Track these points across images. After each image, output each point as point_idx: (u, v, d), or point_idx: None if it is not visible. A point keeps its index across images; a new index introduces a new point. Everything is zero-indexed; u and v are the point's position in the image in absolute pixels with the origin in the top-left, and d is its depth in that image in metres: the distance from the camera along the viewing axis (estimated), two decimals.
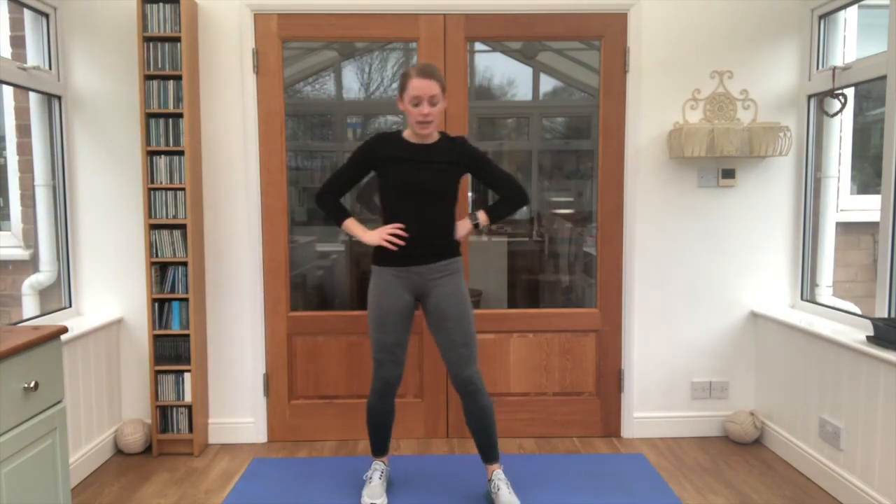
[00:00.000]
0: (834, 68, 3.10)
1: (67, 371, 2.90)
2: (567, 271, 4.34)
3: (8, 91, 3.93)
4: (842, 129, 3.64)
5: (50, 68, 3.20)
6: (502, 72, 4.19)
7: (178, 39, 3.11)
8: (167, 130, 3.16)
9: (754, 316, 3.46)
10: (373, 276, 2.74)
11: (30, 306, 3.68)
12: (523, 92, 4.28)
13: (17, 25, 3.74)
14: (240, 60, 3.29)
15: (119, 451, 3.33)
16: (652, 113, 3.36)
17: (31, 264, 3.93)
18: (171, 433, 3.29)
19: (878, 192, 2.93)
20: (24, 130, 3.87)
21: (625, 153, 3.40)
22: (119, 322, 3.38)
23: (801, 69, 3.36)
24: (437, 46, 3.34)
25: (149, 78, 3.14)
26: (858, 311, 3.22)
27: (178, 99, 3.14)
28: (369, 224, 2.81)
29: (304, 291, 3.98)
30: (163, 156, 3.17)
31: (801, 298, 3.42)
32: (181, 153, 3.16)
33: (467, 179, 3.35)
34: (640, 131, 3.37)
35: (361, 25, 3.32)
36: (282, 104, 3.35)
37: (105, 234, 3.34)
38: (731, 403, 3.50)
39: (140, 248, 3.31)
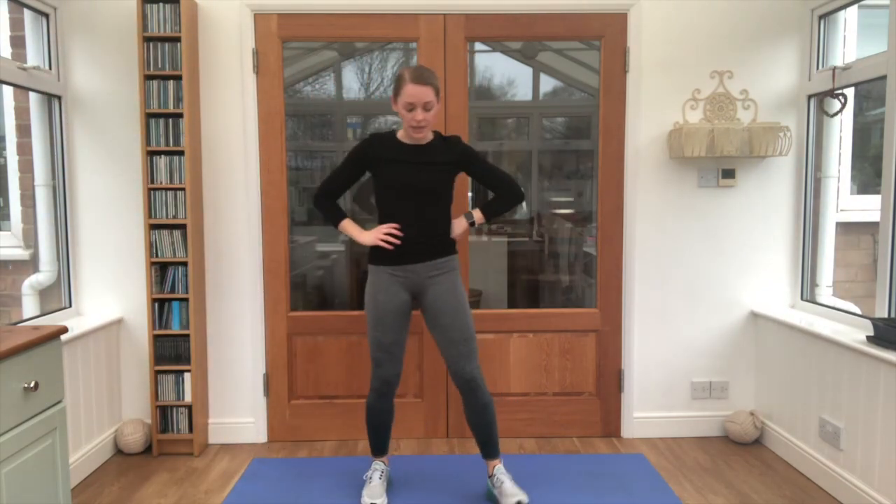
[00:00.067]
0: (834, 68, 3.10)
1: (67, 371, 2.90)
2: (567, 271, 4.34)
3: (8, 91, 3.93)
4: (842, 129, 3.64)
5: (50, 68, 3.20)
6: (502, 72, 4.19)
7: (178, 39, 3.11)
8: (167, 130, 3.16)
9: (754, 316, 3.46)
10: (369, 275, 2.75)
11: (30, 306, 3.69)
12: (523, 92, 4.28)
13: (17, 25, 3.74)
14: (240, 60, 3.29)
15: (119, 451, 3.33)
16: (652, 113, 3.36)
17: (31, 264, 3.93)
18: (171, 433, 3.29)
19: (878, 192, 2.93)
20: (24, 130, 3.87)
21: (625, 153, 3.40)
22: (119, 322, 3.38)
23: (801, 69, 3.36)
24: (437, 46, 3.34)
25: (149, 78, 3.14)
26: (858, 311, 3.22)
27: (178, 99, 3.14)
28: (367, 224, 2.81)
29: (304, 291, 3.98)
30: (163, 156, 3.17)
31: (801, 298, 3.43)
32: (181, 153, 3.16)
33: (467, 179, 3.35)
34: (640, 131, 3.37)
35: (361, 25, 3.32)
36: (282, 104, 3.35)
37: (105, 234, 3.34)
38: (731, 403, 3.50)
39: (140, 248, 3.31)
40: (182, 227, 3.19)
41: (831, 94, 3.14)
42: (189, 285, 3.20)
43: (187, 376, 3.25)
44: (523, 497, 2.66)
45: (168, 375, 3.26)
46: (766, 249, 3.44)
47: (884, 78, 2.79)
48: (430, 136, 2.69)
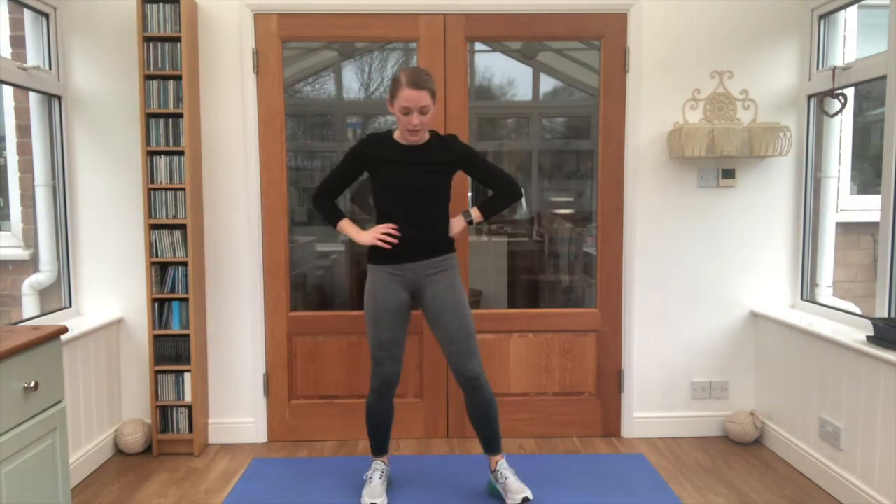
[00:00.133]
0: (834, 68, 3.10)
1: (67, 371, 2.90)
2: (567, 271, 4.34)
3: (8, 91, 3.93)
4: (842, 129, 3.64)
5: (50, 68, 3.20)
6: (502, 72, 4.19)
7: (178, 39, 3.11)
8: (167, 130, 3.16)
9: (754, 316, 3.46)
10: (369, 274, 2.75)
11: (30, 306, 3.69)
12: (523, 92, 4.28)
13: (17, 25, 3.74)
14: (240, 60, 3.29)
15: (119, 451, 3.33)
16: (652, 113, 3.36)
17: (31, 264, 3.93)
18: (171, 433, 3.29)
19: (878, 192, 2.93)
20: (24, 130, 3.87)
21: (625, 153, 3.40)
22: (119, 322, 3.38)
23: (801, 69, 3.36)
24: (437, 46, 3.34)
25: (149, 78, 3.14)
26: (858, 311, 3.22)
27: (178, 99, 3.14)
28: (366, 224, 2.82)
29: (304, 291, 3.98)
30: (163, 156, 3.17)
31: (801, 298, 3.42)
32: (181, 153, 3.16)
33: (466, 178, 3.36)
34: (640, 131, 3.37)
35: (361, 25, 3.32)
36: (282, 104, 3.35)
37: (105, 234, 3.34)
38: (731, 403, 3.50)
39: (140, 248, 3.31)
40: (182, 227, 3.19)
41: (831, 94, 3.14)
42: (189, 285, 3.20)
43: (187, 376, 3.25)
44: (528, 493, 2.67)
45: (168, 375, 3.26)
46: (766, 249, 3.44)
47: (884, 78, 2.79)
48: (426, 136, 2.69)
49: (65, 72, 3.25)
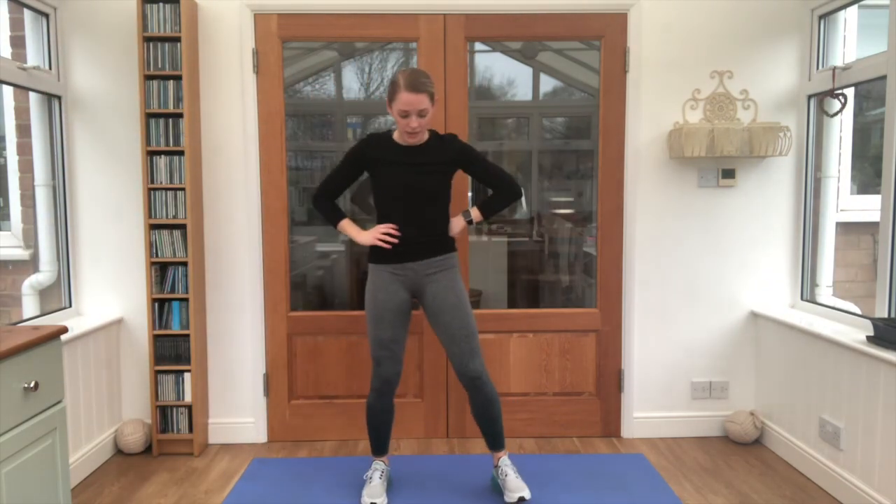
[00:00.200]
0: (834, 68, 3.10)
1: (67, 371, 2.90)
2: (567, 271, 4.33)
3: (8, 91, 3.93)
4: (842, 129, 3.64)
5: (50, 68, 3.20)
6: (502, 72, 4.18)
7: (178, 39, 3.11)
8: (167, 130, 3.16)
9: (754, 316, 3.46)
10: (369, 274, 2.76)
11: (30, 306, 3.68)
12: (523, 92, 4.28)
13: (17, 25, 3.73)
14: (240, 60, 3.29)
15: (119, 451, 3.33)
16: (652, 113, 3.36)
17: (31, 264, 3.93)
18: (171, 433, 3.29)
19: (878, 192, 2.93)
20: (24, 130, 3.86)
21: (625, 153, 3.40)
22: (119, 322, 3.38)
23: (801, 69, 3.36)
24: (437, 46, 3.34)
25: (149, 78, 3.14)
26: (858, 311, 3.22)
27: (178, 99, 3.14)
28: (366, 224, 2.82)
29: (304, 291, 3.98)
30: (163, 156, 3.17)
31: (801, 298, 3.42)
32: (181, 153, 3.16)
33: (467, 178, 3.36)
34: (640, 131, 3.37)
35: (361, 25, 3.32)
36: (282, 104, 3.35)
37: (105, 234, 3.34)
38: (731, 403, 3.50)
39: (140, 248, 3.31)
40: (182, 227, 3.19)
41: (831, 94, 3.14)
42: (189, 285, 3.20)
43: (187, 376, 3.25)
44: (526, 493, 2.67)
45: (168, 375, 3.26)
46: (766, 249, 3.44)
47: (884, 78, 2.79)
48: (425, 136, 2.69)
49: (65, 72, 3.25)
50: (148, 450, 3.33)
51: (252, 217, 3.36)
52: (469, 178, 3.33)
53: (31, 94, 3.23)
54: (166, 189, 3.17)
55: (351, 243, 3.99)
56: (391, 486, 2.90)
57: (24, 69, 2.98)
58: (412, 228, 2.67)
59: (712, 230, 3.43)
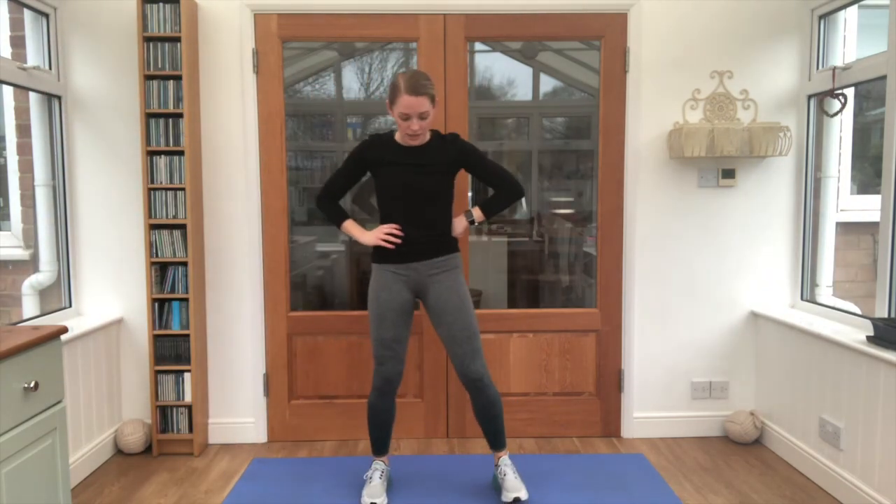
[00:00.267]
0: (834, 68, 3.10)
1: (67, 371, 2.90)
2: (567, 271, 4.33)
3: (8, 91, 3.93)
4: (842, 129, 3.64)
5: (50, 68, 3.20)
6: (502, 72, 4.18)
7: (178, 39, 3.11)
8: (167, 130, 3.16)
9: (754, 316, 3.46)
10: (373, 273, 2.76)
11: (30, 306, 3.68)
12: (523, 92, 4.27)
13: (17, 25, 3.73)
14: (240, 60, 3.29)
15: (119, 451, 3.33)
16: (652, 113, 3.36)
17: (31, 264, 3.93)
18: (171, 433, 3.29)
19: (878, 192, 2.93)
20: (24, 130, 3.86)
21: (625, 153, 3.40)
22: (119, 322, 3.38)
23: (801, 69, 3.36)
24: (437, 46, 3.34)
25: (149, 78, 3.14)
26: (858, 311, 3.22)
27: (178, 99, 3.14)
28: (366, 224, 2.82)
29: (304, 291, 3.97)
30: (163, 156, 3.17)
31: (801, 298, 3.42)
32: (181, 153, 3.16)
33: (467, 178, 3.36)
34: (640, 131, 3.37)
35: (361, 25, 3.32)
36: (282, 104, 3.35)
37: (105, 234, 3.34)
38: (731, 403, 3.50)
39: (140, 248, 3.31)
40: (182, 227, 3.19)
41: (831, 94, 3.14)
42: (189, 285, 3.20)
43: (187, 376, 3.25)
44: (522, 493, 2.68)
45: (168, 375, 3.26)
46: (766, 249, 3.44)
47: (884, 78, 2.79)
48: (427, 137, 2.69)
49: (65, 72, 3.25)
50: (148, 450, 3.33)
51: (252, 217, 3.36)
52: (469, 177, 3.34)
53: (31, 94, 3.23)
54: (166, 189, 3.17)
55: (351, 243, 3.99)
56: (391, 486, 2.90)
57: (24, 69, 2.98)
58: (415, 228, 2.67)
59: (712, 230, 3.43)
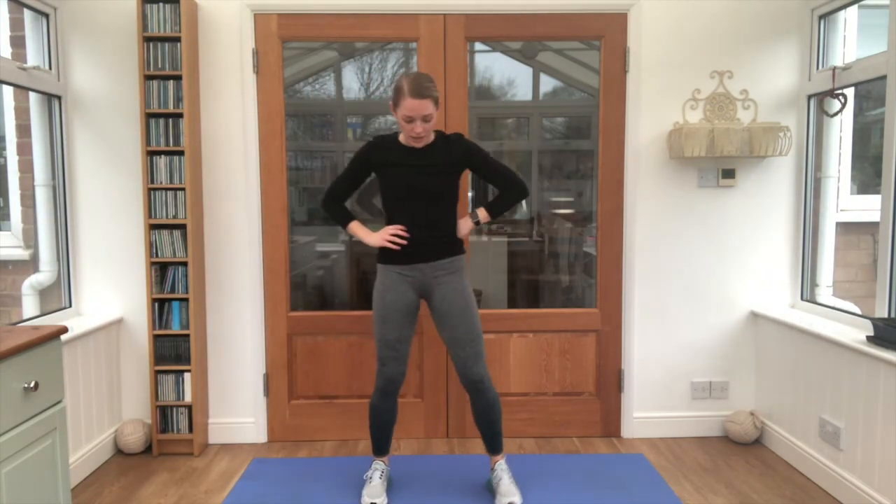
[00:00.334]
0: (834, 68, 3.10)
1: (67, 371, 2.90)
2: (567, 271, 4.33)
3: (8, 91, 3.93)
4: (842, 129, 3.64)
5: (50, 68, 3.20)
6: (502, 72, 4.18)
7: (178, 39, 3.11)
8: (167, 130, 3.16)
9: (754, 316, 3.46)
10: (378, 274, 2.77)
11: (30, 306, 3.68)
12: (523, 92, 4.27)
13: (17, 25, 3.74)
14: (240, 60, 3.29)
15: (119, 451, 3.33)
16: (652, 113, 3.36)
17: (31, 264, 3.93)
18: (171, 433, 3.29)
19: (878, 192, 2.93)
20: (24, 130, 3.86)
21: (625, 153, 3.40)
22: (119, 322, 3.38)
23: (801, 69, 3.36)
24: (437, 46, 3.34)
25: (149, 78, 3.14)
26: (858, 311, 3.22)
27: (178, 99, 3.14)
28: (369, 224, 2.82)
29: (304, 291, 3.97)
30: (163, 156, 3.17)
31: (801, 298, 3.42)
32: (181, 153, 3.17)
33: (468, 178, 3.35)
34: (640, 131, 3.37)
35: (361, 25, 3.32)
36: (282, 104, 3.35)
37: (105, 234, 3.34)
38: (731, 403, 3.50)
39: (140, 248, 3.31)
40: (182, 227, 3.19)
41: (831, 94, 3.14)
42: (189, 285, 3.20)
43: (187, 376, 3.25)
44: (517, 499, 2.69)
45: (168, 375, 3.26)
46: (766, 249, 3.44)
47: (884, 78, 2.79)
48: (431, 137, 2.69)
49: (65, 72, 3.25)
50: (148, 450, 3.33)
51: (252, 217, 3.36)
52: (470, 177, 3.34)
53: (31, 94, 3.23)
54: (166, 189, 3.17)
55: (351, 243, 3.99)
56: (391, 486, 2.90)
57: (24, 69, 2.98)
58: (420, 230, 2.67)
59: (712, 230, 3.43)
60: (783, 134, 3.24)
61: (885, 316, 2.78)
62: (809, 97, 3.33)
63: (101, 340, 3.23)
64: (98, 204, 3.33)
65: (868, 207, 4.23)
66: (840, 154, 3.56)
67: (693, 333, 3.47)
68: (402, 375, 2.75)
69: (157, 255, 3.20)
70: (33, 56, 3.19)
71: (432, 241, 2.69)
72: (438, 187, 2.68)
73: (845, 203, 4.26)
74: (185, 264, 3.21)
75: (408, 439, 3.49)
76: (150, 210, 3.18)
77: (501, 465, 2.79)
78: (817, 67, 3.31)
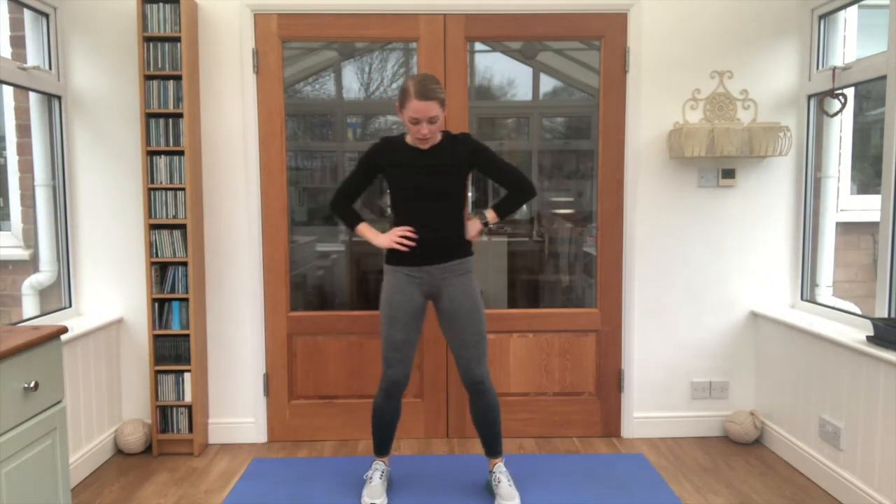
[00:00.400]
0: (834, 68, 3.10)
1: (67, 371, 2.90)
2: (567, 271, 4.33)
3: (8, 91, 3.93)
4: (842, 129, 3.64)
5: (50, 68, 3.20)
6: (502, 72, 4.18)
7: (178, 39, 3.11)
8: (167, 130, 3.16)
9: (754, 316, 3.46)
10: (386, 275, 2.77)
11: (30, 306, 3.68)
12: (523, 92, 4.27)
13: (17, 25, 3.73)
14: (240, 60, 3.29)
15: (119, 451, 3.33)
16: (652, 113, 3.36)
17: (31, 264, 3.93)
18: (171, 433, 3.29)
19: (878, 192, 2.93)
20: (24, 130, 3.86)
21: (625, 153, 3.40)
22: (119, 322, 3.38)
23: (801, 69, 3.36)
24: (437, 46, 3.34)
25: (149, 78, 3.14)
26: (858, 311, 3.22)
27: (178, 99, 3.14)
28: (372, 224, 2.82)
29: (304, 291, 3.97)
30: (163, 156, 3.17)
31: (801, 298, 3.42)
32: (181, 153, 3.17)
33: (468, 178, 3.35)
34: (640, 131, 3.37)
35: (361, 25, 3.32)
36: (282, 104, 3.35)
37: (105, 234, 3.34)
38: (731, 403, 3.50)
39: (140, 248, 3.31)
40: (182, 227, 3.19)
41: (831, 94, 3.14)
42: (189, 285, 3.20)
43: (187, 376, 3.25)
44: (516, 502, 2.70)
45: (168, 375, 3.26)
46: (766, 249, 3.44)
47: (884, 78, 2.79)
48: (438, 138, 2.69)
49: (65, 72, 3.25)
50: (148, 450, 3.33)
51: (252, 217, 3.36)
52: (470, 176, 3.33)
53: (31, 94, 3.23)
54: (166, 189, 3.17)
55: (351, 243, 3.99)
56: (391, 486, 2.90)
57: (24, 69, 2.98)
58: (428, 231, 2.66)
59: (712, 230, 3.43)
60: (783, 134, 3.24)
61: (885, 316, 2.78)
62: (809, 97, 3.33)
63: (101, 340, 3.23)
64: (98, 204, 3.33)
65: (868, 207, 4.23)
66: (840, 154, 3.56)
67: (693, 333, 3.47)
68: (406, 378, 2.75)
69: (157, 255, 3.20)
70: (33, 56, 3.19)
71: (441, 242, 2.68)
72: (446, 188, 2.68)
73: (845, 203, 4.26)
74: (185, 264, 3.21)
75: (408, 439, 3.49)
76: (150, 210, 3.18)
77: (500, 468, 2.78)
78: (817, 67, 3.31)
